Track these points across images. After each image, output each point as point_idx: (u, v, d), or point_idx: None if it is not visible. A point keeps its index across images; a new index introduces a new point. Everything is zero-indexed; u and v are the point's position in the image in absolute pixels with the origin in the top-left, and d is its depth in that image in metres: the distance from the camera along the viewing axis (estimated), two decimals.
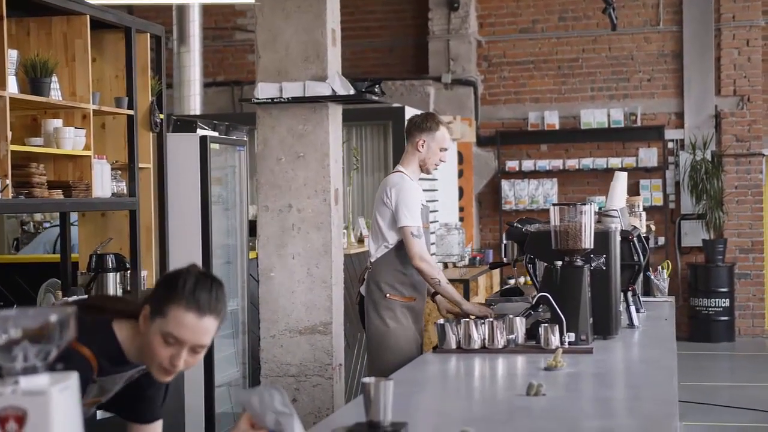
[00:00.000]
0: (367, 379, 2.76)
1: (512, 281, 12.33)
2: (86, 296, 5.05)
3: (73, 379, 1.82)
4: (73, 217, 6.22)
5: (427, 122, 5.45)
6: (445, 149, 5.49)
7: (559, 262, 4.50)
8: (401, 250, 5.32)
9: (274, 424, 2.60)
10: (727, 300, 12.62)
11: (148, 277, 6.03)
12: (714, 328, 12.62)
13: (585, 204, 4.52)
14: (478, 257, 11.38)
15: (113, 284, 5.56)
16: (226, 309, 2.76)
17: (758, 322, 13.00)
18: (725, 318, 12.64)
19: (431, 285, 5.31)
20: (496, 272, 11.72)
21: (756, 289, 12.99)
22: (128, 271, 5.74)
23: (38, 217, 8.47)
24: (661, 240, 12.91)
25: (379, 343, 5.34)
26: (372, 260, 5.43)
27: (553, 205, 4.56)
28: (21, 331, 1.77)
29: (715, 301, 12.60)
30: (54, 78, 5.12)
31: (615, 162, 12.93)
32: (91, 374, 2.70)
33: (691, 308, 12.78)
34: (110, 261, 5.55)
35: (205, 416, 6.41)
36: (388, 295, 5.35)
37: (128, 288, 5.76)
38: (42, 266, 6.43)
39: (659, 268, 6.70)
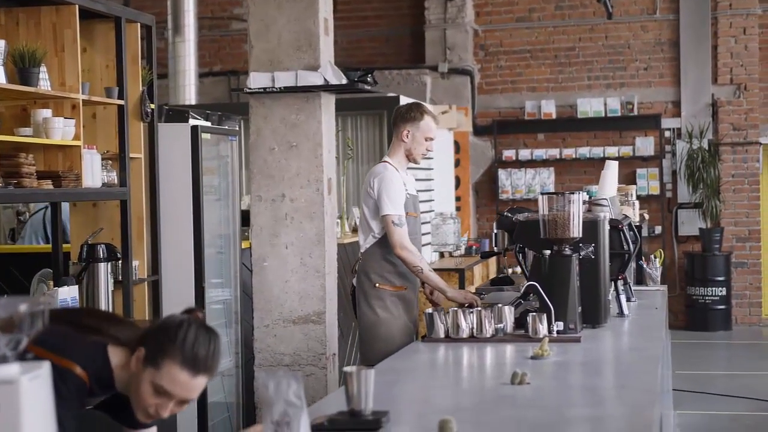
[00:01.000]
0: (348, 369, 2.78)
1: (509, 270, 12.34)
2: (81, 308, 5.00)
3: (44, 368, 1.82)
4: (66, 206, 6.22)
5: (411, 112, 5.47)
6: (431, 138, 5.49)
7: (548, 251, 4.50)
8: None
9: (281, 414, 2.61)
10: (724, 289, 12.62)
11: (140, 267, 6.03)
12: (711, 317, 12.63)
13: (573, 193, 4.52)
14: (474, 246, 11.38)
15: (104, 274, 5.55)
16: (219, 364, 2.77)
17: (755, 311, 13.01)
18: (722, 307, 12.65)
19: (414, 273, 5.32)
20: (493, 261, 11.73)
21: (753, 278, 12.99)
22: (119, 261, 5.73)
23: (34, 207, 8.47)
24: (658, 229, 12.91)
25: (370, 333, 5.37)
26: (361, 251, 5.46)
27: (542, 194, 4.57)
28: None
29: (712, 290, 12.61)
30: (43, 68, 5.11)
31: (612, 151, 12.92)
32: (84, 396, 2.71)
33: (687, 297, 12.79)
34: (101, 251, 5.54)
35: (198, 406, 6.41)
36: (377, 284, 5.37)
37: (119, 278, 5.76)
38: (36, 256, 6.43)
39: (652, 257, 6.70)
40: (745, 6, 12.86)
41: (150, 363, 2.66)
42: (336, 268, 6.13)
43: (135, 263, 5.90)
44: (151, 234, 6.16)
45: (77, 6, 5.38)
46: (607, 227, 4.81)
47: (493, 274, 11.52)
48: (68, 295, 4.97)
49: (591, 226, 4.65)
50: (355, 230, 8.38)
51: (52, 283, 5.55)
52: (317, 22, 5.96)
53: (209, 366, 2.68)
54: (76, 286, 5.22)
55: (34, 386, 1.78)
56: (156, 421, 2.90)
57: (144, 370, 2.67)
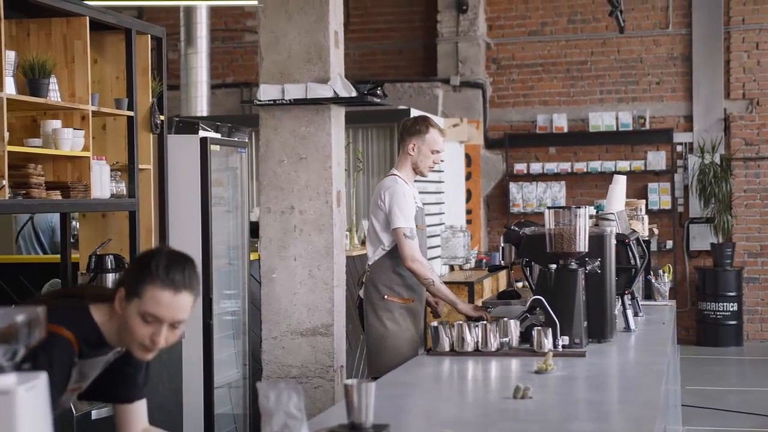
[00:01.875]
0: (348, 381, 2.78)
1: (520, 284, 12.31)
2: (57, 289, 5.09)
3: (41, 378, 1.83)
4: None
5: (417, 125, 5.51)
6: (437, 151, 5.52)
7: (554, 266, 4.50)
8: (397, 252, 5.36)
9: (280, 426, 2.61)
10: (735, 304, 12.58)
11: None
12: (722, 333, 12.58)
13: (580, 207, 4.52)
14: (484, 260, 11.37)
15: (112, 285, 5.57)
16: (200, 285, 2.84)
17: (766, 327, 12.95)
18: (733, 322, 12.60)
19: (425, 285, 5.35)
20: (503, 275, 11.71)
21: (764, 293, 12.94)
22: None
23: (21, 220, 8.51)
24: (670, 243, 12.88)
25: (378, 345, 5.38)
26: (369, 263, 5.49)
27: (548, 208, 4.57)
28: None
29: (723, 305, 12.56)
30: (52, 79, 5.14)
31: (623, 165, 12.90)
32: (74, 356, 2.76)
33: (699, 312, 12.74)
34: (109, 262, 5.56)
35: (204, 417, 6.42)
36: (386, 296, 5.39)
37: None
38: (44, 266, 6.46)
39: (660, 271, 6.68)
40: (758, 21, 12.84)
41: (132, 295, 2.73)
42: (344, 280, 6.14)
43: None
44: (160, 245, 6.18)
45: (88, 18, 5.41)
46: (614, 242, 4.80)
47: (503, 288, 11.50)
48: None
49: (597, 241, 4.64)
50: (364, 242, 8.39)
51: None
52: (327, 34, 5.98)
53: (189, 283, 2.75)
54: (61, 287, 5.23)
55: (31, 397, 1.78)
56: (143, 397, 3.01)
57: (128, 305, 2.74)
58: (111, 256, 5.59)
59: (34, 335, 1.83)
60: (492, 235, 13.52)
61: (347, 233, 7.91)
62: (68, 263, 5.81)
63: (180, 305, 2.74)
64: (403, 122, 5.66)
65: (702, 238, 12.90)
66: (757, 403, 9.28)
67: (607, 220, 5.16)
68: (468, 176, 12.73)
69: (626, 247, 5.08)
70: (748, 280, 12.87)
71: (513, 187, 13.28)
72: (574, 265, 4.50)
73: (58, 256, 5.99)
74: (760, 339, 12.90)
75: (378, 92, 6.31)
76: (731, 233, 12.77)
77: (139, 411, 3.06)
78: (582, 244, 4.48)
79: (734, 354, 12.30)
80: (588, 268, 4.55)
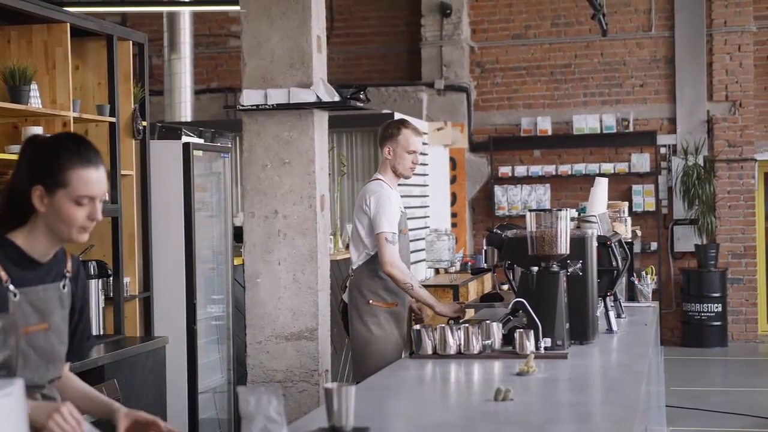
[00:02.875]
0: (328, 385, 2.79)
1: (505, 287, 12.33)
2: None
3: (17, 385, 1.83)
4: None
5: (389, 129, 5.61)
6: (413, 152, 5.56)
7: (535, 268, 4.51)
8: None
9: (261, 430, 2.61)
10: (720, 305, 12.63)
11: (131, 283, 6.05)
12: (706, 333, 12.63)
13: (561, 210, 4.54)
14: (470, 263, 11.38)
15: (95, 291, 5.56)
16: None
17: (751, 327, 13.00)
18: (718, 323, 12.65)
19: (404, 290, 5.37)
20: (488, 278, 11.73)
21: (748, 294, 13.00)
22: (110, 278, 5.75)
23: None
24: (654, 245, 12.92)
25: (364, 350, 5.40)
26: (353, 267, 5.53)
27: (530, 210, 4.58)
28: None
29: (708, 306, 12.61)
30: (33, 85, 5.14)
31: (607, 167, 12.94)
32: (1, 282, 2.72)
33: (683, 313, 12.79)
34: (92, 268, 5.56)
35: (189, 423, 6.41)
36: (371, 301, 5.43)
37: (111, 295, 5.77)
38: None
39: (643, 273, 6.71)
40: (740, 23, 12.90)
41: (55, 187, 2.74)
42: (329, 284, 6.14)
43: (126, 280, 5.91)
44: (143, 250, 6.18)
45: (69, 24, 5.41)
46: (595, 244, 4.82)
47: (488, 291, 11.52)
48: None
49: (579, 243, 4.66)
50: (348, 247, 8.39)
51: None
52: (310, 39, 5.98)
53: (100, 158, 2.82)
54: None
55: (6, 404, 1.79)
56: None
57: (53, 198, 2.75)
58: (94, 262, 5.58)
59: (9, 341, 1.83)
60: (477, 238, 13.54)
61: (331, 237, 7.92)
62: None
63: (103, 178, 2.81)
64: (380, 128, 5.73)
65: (686, 240, 12.95)
66: (742, 403, 9.32)
67: (589, 222, 5.17)
68: (453, 179, 12.76)
69: (608, 249, 5.10)
70: (732, 281, 12.92)
71: (498, 190, 13.31)
72: (555, 268, 4.51)
73: None
74: (745, 340, 12.94)
75: (361, 96, 6.32)
76: (715, 234, 12.82)
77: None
78: (563, 247, 4.49)
79: (719, 355, 12.35)
80: (570, 270, 4.56)
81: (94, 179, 2.77)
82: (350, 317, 5.49)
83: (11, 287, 2.75)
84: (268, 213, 5.93)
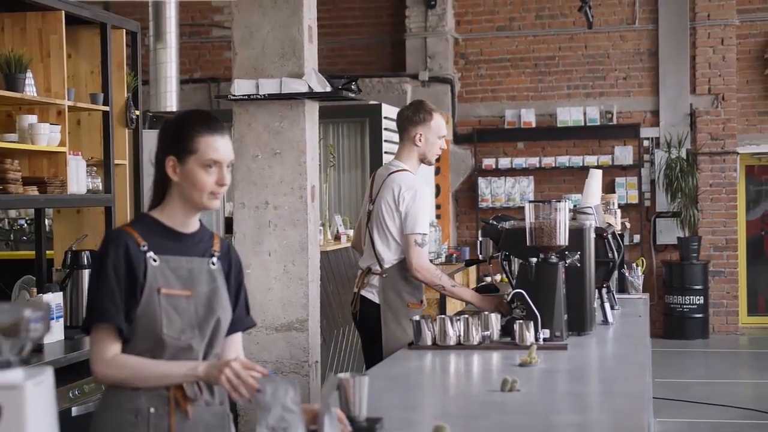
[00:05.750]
0: (342, 375, 2.78)
1: (488, 278, 12.36)
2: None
3: (47, 374, 1.82)
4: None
5: (420, 113, 5.20)
6: (443, 136, 5.27)
7: (534, 259, 4.51)
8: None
9: (277, 419, 2.62)
10: (702, 297, 12.71)
11: None
12: (688, 325, 12.71)
13: (560, 201, 4.54)
14: (455, 255, 11.41)
15: (88, 282, 5.52)
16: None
17: (732, 319, 13.09)
18: (699, 315, 12.73)
19: (437, 291, 5.12)
20: (473, 269, 11.77)
21: (730, 287, 13.08)
22: None
23: (13, 213, 8.42)
24: (636, 238, 12.98)
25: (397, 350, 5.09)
26: (385, 266, 5.13)
27: (529, 202, 4.58)
28: None
29: (690, 299, 12.69)
30: (29, 74, 5.10)
31: (591, 160, 12.99)
32: (132, 243, 2.91)
33: (665, 305, 12.86)
34: (86, 258, 5.52)
35: None
36: (409, 304, 5.14)
37: None
38: (18, 263, 6.40)
39: (634, 265, 6.73)
40: (723, 17, 12.97)
41: (186, 155, 2.94)
42: (319, 275, 6.14)
43: None
44: None
45: (63, 12, 5.36)
46: (593, 235, 4.83)
47: (473, 282, 11.56)
48: (53, 301, 4.94)
49: (577, 234, 4.67)
50: (337, 238, 8.39)
51: (35, 290, 5.51)
52: (302, 29, 5.97)
53: (224, 127, 3.02)
54: (61, 293, 5.19)
55: (39, 391, 1.78)
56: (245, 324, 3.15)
57: (185, 166, 2.94)
58: (87, 252, 5.54)
59: (40, 330, 1.82)
60: (461, 230, 13.56)
61: (320, 228, 7.90)
62: (43, 259, 5.77)
63: (229, 146, 3.00)
64: (401, 113, 5.34)
65: (668, 232, 13.02)
66: (723, 394, 9.39)
67: (585, 214, 5.18)
68: (437, 171, 12.77)
69: (604, 240, 5.11)
70: (714, 273, 13.00)
71: (482, 182, 13.33)
72: (554, 259, 4.52)
73: (33, 252, 5.94)
74: (725, 332, 13.04)
75: (353, 87, 6.31)
76: (697, 227, 12.90)
77: (235, 341, 3.17)
78: (562, 238, 4.50)
79: (701, 346, 12.43)
80: (568, 261, 4.57)
81: (220, 145, 2.95)
82: (384, 319, 5.10)
83: (151, 254, 2.93)
84: (258, 203, 5.92)
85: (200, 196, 2.95)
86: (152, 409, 2.90)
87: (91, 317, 2.92)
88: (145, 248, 2.93)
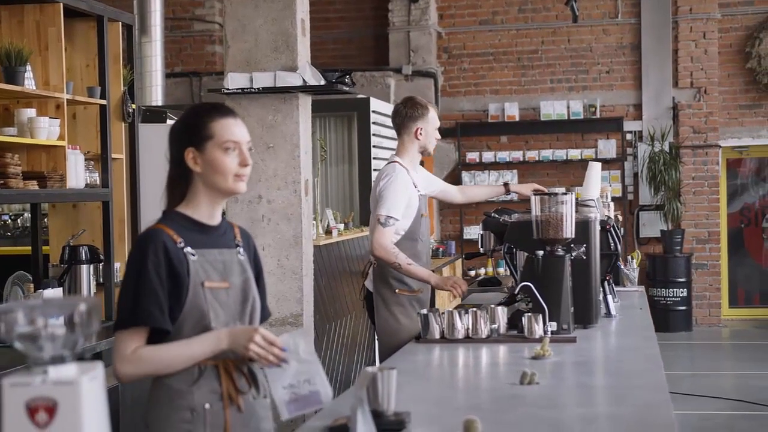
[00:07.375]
0: (371, 369, 2.76)
1: (472, 272, 12.37)
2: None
3: (98, 369, 1.79)
4: None
5: (417, 109, 5.40)
6: (438, 126, 5.53)
7: (541, 252, 4.51)
8: (405, 243, 5.24)
9: (294, 374, 2.61)
10: (685, 290, 12.77)
11: (122, 269, 5.96)
12: (672, 318, 12.76)
13: (566, 193, 4.54)
14: (440, 249, 11.41)
15: (86, 276, 5.48)
16: None
17: (715, 312, 13.16)
18: (683, 308, 12.79)
19: (395, 270, 5.21)
20: (458, 263, 11.76)
21: (712, 279, 13.15)
22: (101, 263, 5.66)
23: (15, 207, 8.36)
24: (620, 231, 13.01)
25: (392, 339, 5.19)
26: (376, 254, 5.24)
27: (535, 194, 4.57)
28: (49, 320, 1.75)
29: (673, 291, 12.74)
30: (28, 67, 5.04)
31: (574, 153, 13.01)
32: (167, 240, 2.89)
33: (649, 298, 12.84)
34: (83, 253, 5.47)
35: None
36: (397, 290, 5.28)
37: (101, 280, 5.69)
38: (12, 258, 6.34)
39: (629, 258, 6.75)
40: (705, 10, 13.02)
41: (203, 141, 2.93)
42: (312, 269, 6.12)
43: (117, 265, 5.83)
44: (132, 236, 6.10)
45: (61, 4, 5.30)
46: (598, 228, 4.83)
47: (461, 274, 11.54)
48: (53, 296, 4.90)
49: (582, 227, 4.66)
50: (329, 232, 8.37)
51: (32, 285, 5.46)
52: (294, 22, 5.95)
53: (234, 111, 3.04)
54: (60, 289, 5.15)
55: (93, 386, 1.75)
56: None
57: (204, 153, 2.93)
58: (85, 247, 5.49)
59: (93, 325, 1.79)
60: (444, 224, 13.56)
61: (313, 223, 7.87)
62: (39, 254, 5.71)
63: (244, 128, 3.00)
64: (396, 110, 5.48)
65: (652, 225, 13.07)
66: (707, 386, 9.45)
67: (588, 206, 5.18)
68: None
69: (607, 232, 5.11)
70: (697, 266, 13.07)
71: (465, 175, 13.32)
72: (560, 252, 4.52)
73: (29, 247, 5.88)
74: (708, 324, 13.10)
75: (346, 81, 6.29)
76: (680, 220, 12.95)
77: None
78: (568, 230, 4.50)
79: (684, 339, 12.49)
80: (574, 254, 4.57)
81: (234, 126, 2.96)
82: (376, 306, 5.30)
83: (188, 249, 2.92)
84: (251, 198, 5.90)
85: (225, 180, 2.94)
86: (207, 406, 2.88)
87: (133, 319, 2.88)
88: (182, 244, 2.91)
